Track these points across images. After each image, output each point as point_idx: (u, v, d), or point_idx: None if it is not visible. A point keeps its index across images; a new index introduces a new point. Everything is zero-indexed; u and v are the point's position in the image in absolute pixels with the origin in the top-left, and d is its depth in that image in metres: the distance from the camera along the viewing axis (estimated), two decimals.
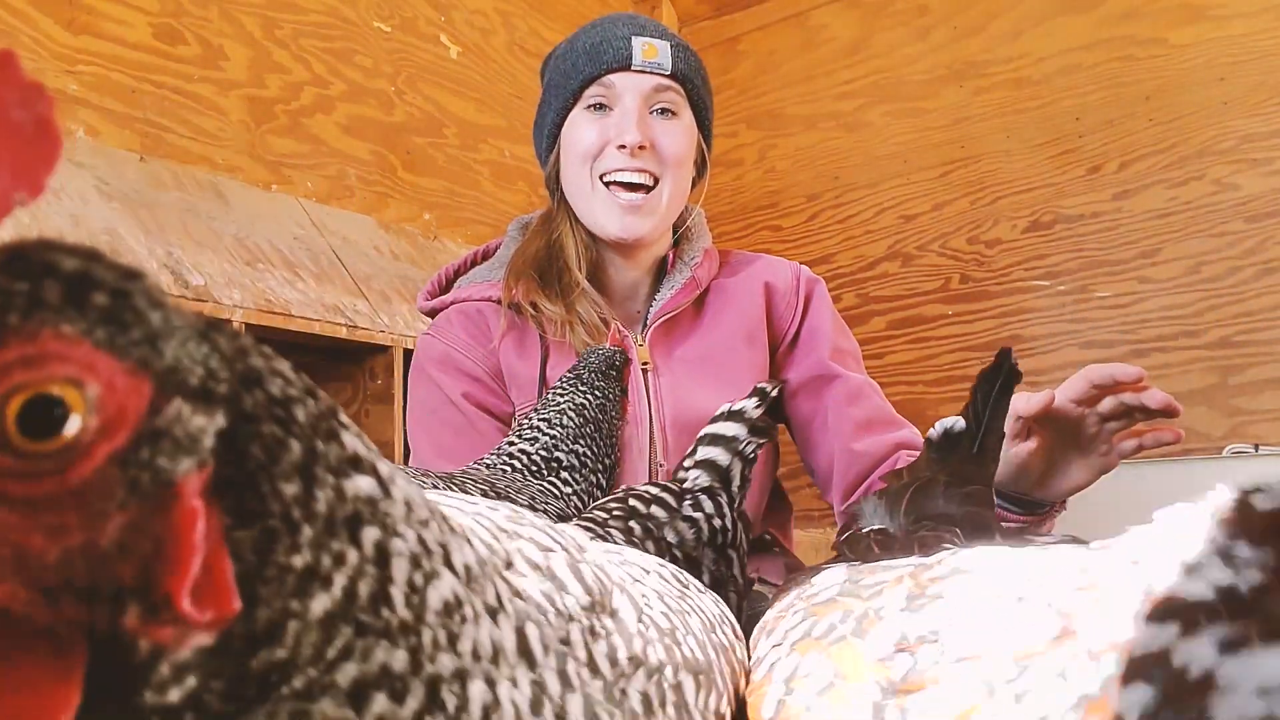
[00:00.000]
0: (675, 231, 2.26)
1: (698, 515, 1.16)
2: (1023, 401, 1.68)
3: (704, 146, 2.19)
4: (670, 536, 1.11)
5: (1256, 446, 3.47)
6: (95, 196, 2.96)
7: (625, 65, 2.06)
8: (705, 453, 1.29)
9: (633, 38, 2.08)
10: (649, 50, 2.07)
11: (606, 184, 2.06)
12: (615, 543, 0.96)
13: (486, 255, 2.32)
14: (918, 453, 1.96)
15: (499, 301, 2.10)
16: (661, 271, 2.19)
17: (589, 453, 1.79)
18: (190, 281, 2.94)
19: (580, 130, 2.09)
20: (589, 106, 2.09)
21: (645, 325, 2.14)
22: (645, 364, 2.08)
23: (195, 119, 3.34)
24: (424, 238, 3.97)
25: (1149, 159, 3.89)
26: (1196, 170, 3.80)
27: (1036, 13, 4.14)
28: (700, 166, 2.22)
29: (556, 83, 2.16)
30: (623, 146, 2.03)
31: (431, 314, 2.25)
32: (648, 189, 2.06)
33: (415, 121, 4.02)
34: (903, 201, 4.41)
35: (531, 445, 1.74)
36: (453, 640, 0.47)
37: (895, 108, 4.45)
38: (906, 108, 4.42)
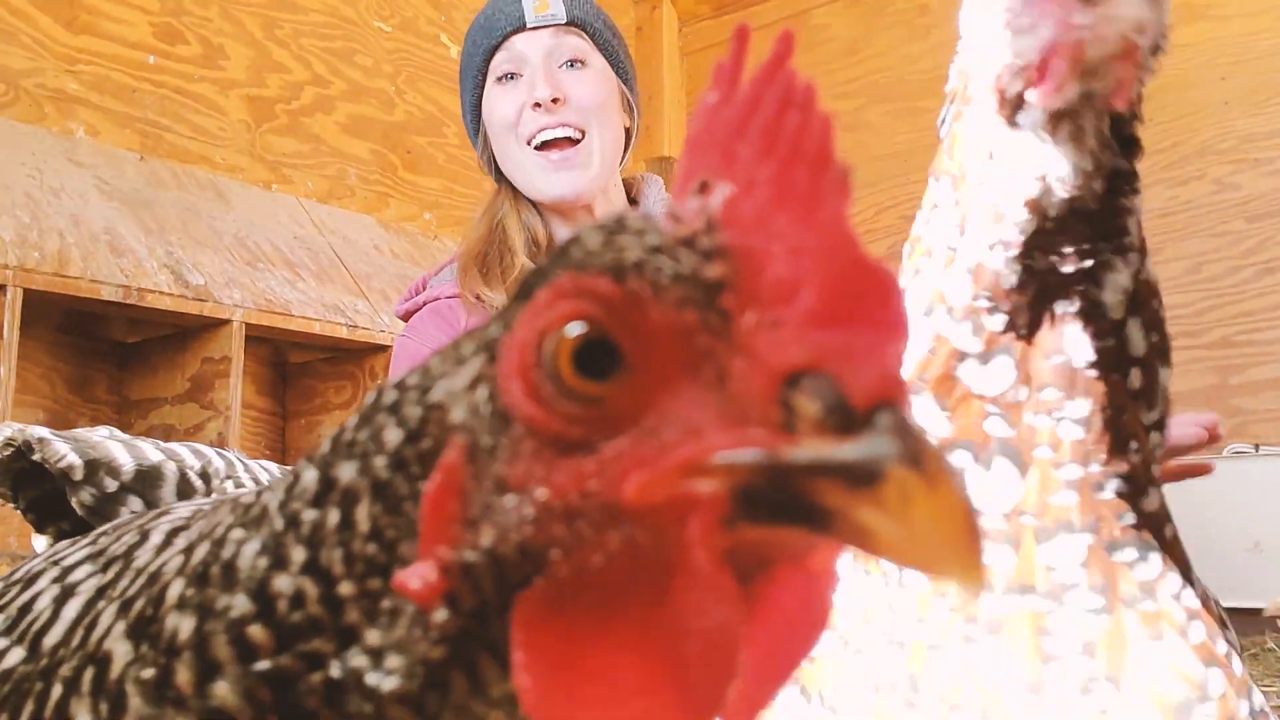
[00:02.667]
0: (631, 201, 2.21)
1: None
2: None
3: (626, 91, 2.15)
4: None
5: (1257, 446, 3.46)
6: (95, 196, 2.96)
7: (520, 25, 2.03)
8: None
9: (522, 0, 2.05)
10: (540, 5, 2.04)
11: (536, 149, 2.02)
12: None
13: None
14: None
15: None
16: None
17: None
18: (190, 281, 2.94)
19: (494, 103, 2.06)
20: (499, 79, 2.06)
21: None
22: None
23: (195, 118, 3.35)
24: (424, 237, 3.98)
25: (1149, 158, 3.75)
26: (1197, 170, 3.78)
27: None
28: (629, 112, 2.17)
29: (464, 66, 2.13)
30: (537, 105, 1.99)
31: (405, 317, 2.25)
32: (575, 142, 2.02)
33: (415, 121, 4.02)
34: (903, 201, 4.39)
35: None
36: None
37: (895, 107, 4.44)
38: (906, 107, 4.41)
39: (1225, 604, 1.11)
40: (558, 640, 0.48)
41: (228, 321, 2.96)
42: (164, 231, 3.04)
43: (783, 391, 0.44)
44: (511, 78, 2.05)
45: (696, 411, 0.46)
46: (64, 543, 0.72)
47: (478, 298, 2.00)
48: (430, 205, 4.04)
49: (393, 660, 0.50)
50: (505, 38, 2.04)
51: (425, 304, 2.16)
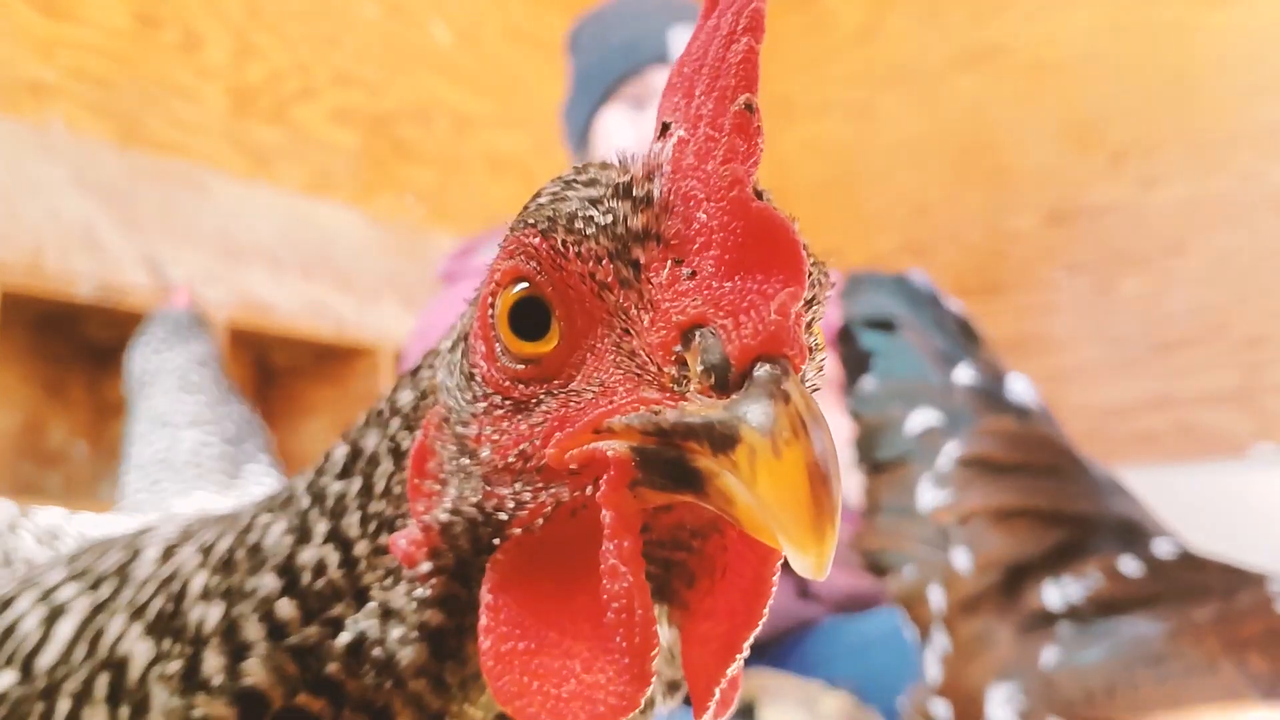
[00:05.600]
0: None
1: None
2: None
3: None
4: None
5: None
6: (73, 189, 2.89)
7: (661, 59, 1.95)
8: None
9: (668, 29, 1.96)
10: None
11: None
12: None
13: None
14: None
15: None
16: None
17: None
18: (170, 278, 2.88)
19: (614, 129, 2.01)
20: (626, 105, 2.01)
21: None
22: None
23: (176, 108, 3.25)
24: (414, 230, 3.89)
25: (1174, 148, 3.76)
26: (1223, 159, 3.66)
27: None
28: None
29: (587, 75, 2.07)
30: None
31: (448, 277, 2.18)
32: None
33: (405, 110, 3.92)
34: (916, 192, 4.30)
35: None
36: None
37: (907, 95, 4.34)
38: (920, 95, 4.29)
39: None
40: (521, 608, 0.48)
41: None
42: (143, 226, 3.00)
43: (679, 347, 0.43)
44: (639, 107, 2.00)
45: (609, 369, 0.46)
46: (29, 570, 0.72)
47: None
48: (421, 197, 3.95)
49: (396, 629, 0.51)
50: (643, 68, 1.98)
51: (474, 273, 2.12)
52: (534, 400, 0.47)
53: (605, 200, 0.46)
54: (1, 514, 0.93)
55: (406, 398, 0.55)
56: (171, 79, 3.26)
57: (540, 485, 0.47)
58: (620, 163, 0.48)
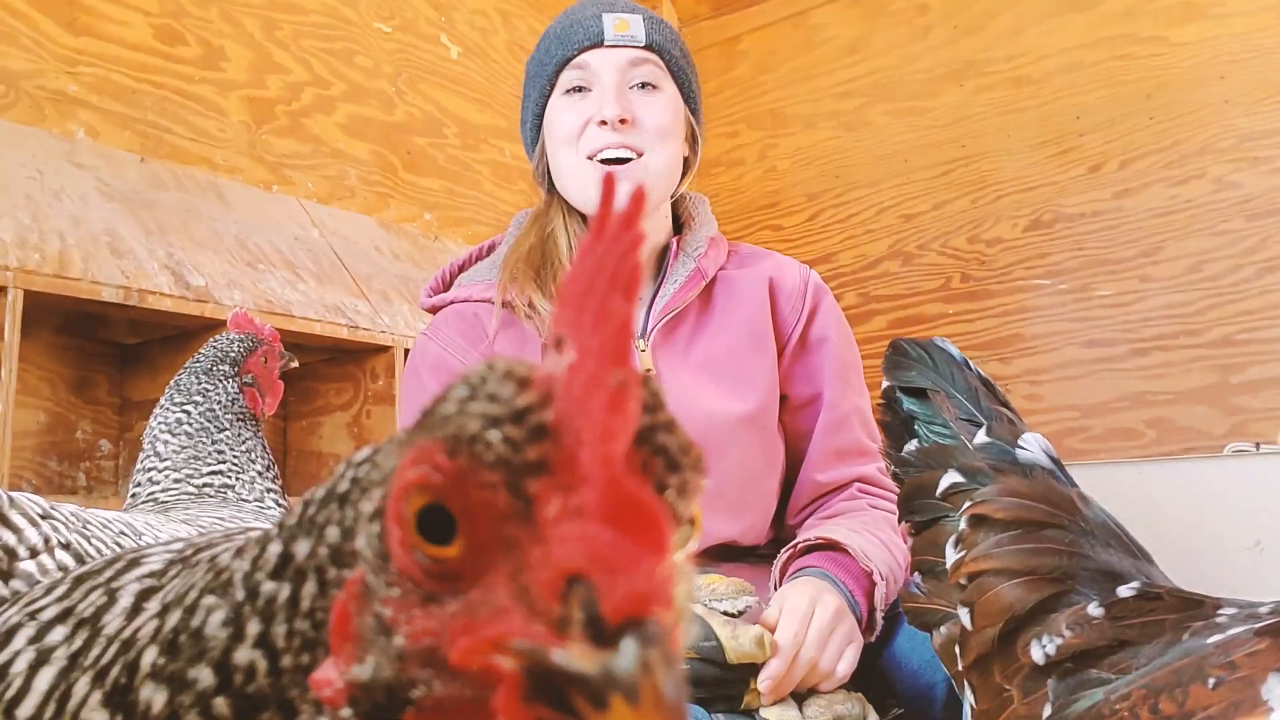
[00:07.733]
0: (677, 222, 2.17)
1: None
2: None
3: (693, 121, 2.10)
4: None
5: (1258, 445, 3.45)
6: (96, 197, 2.96)
7: (598, 42, 1.98)
8: None
9: (603, 14, 2.01)
10: (620, 24, 1.99)
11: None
12: None
13: (492, 249, 2.23)
14: (873, 488, 1.97)
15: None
16: (664, 266, 2.09)
17: (210, 467, 1.87)
18: (191, 283, 2.94)
19: (560, 115, 2.01)
20: (567, 91, 2.02)
21: (647, 328, 2.02)
22: (648, 370, 1.95)
23: (196, 120, 3.35)
24: (424, 237, 3.97)
25: (1150, 157, 3.86)
26: (1197, 168, 3.77)
27: (1036, 11, 4.12)
28: (692, 143, 2.12)
29: (532, 74, 2.10)
30: (603, 123, 1.95)
31: (433, 311, 2.18)
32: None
33: (416, 121, 4.01)
34: (903, 201, 4.38)
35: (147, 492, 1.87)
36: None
37: (895, 107, 4.43)
38: (906, 107, 4.39)
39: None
40: None
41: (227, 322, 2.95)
42: (164, 233, 3.03)
43: (564, 589, 0.45)
44: (580, 91, 2.01)
45: (507, 594, 0.48)
46: (39, 589, 0.74)
47: (530, 304, 1.95)
48: (430, 206, 4.03)
49: None
50: (580, 52, 2.00)
51: (451, 303, 2.11)
52: (442, 597, 0.49)
53: (506, 423, 0.47)
54: (31, 505, 1.01)
55: (333, 534, 0.55)
56: (192, 92, 3.34)
57: (449, 676, 0.49)
58: (520, 376, 0.49)
